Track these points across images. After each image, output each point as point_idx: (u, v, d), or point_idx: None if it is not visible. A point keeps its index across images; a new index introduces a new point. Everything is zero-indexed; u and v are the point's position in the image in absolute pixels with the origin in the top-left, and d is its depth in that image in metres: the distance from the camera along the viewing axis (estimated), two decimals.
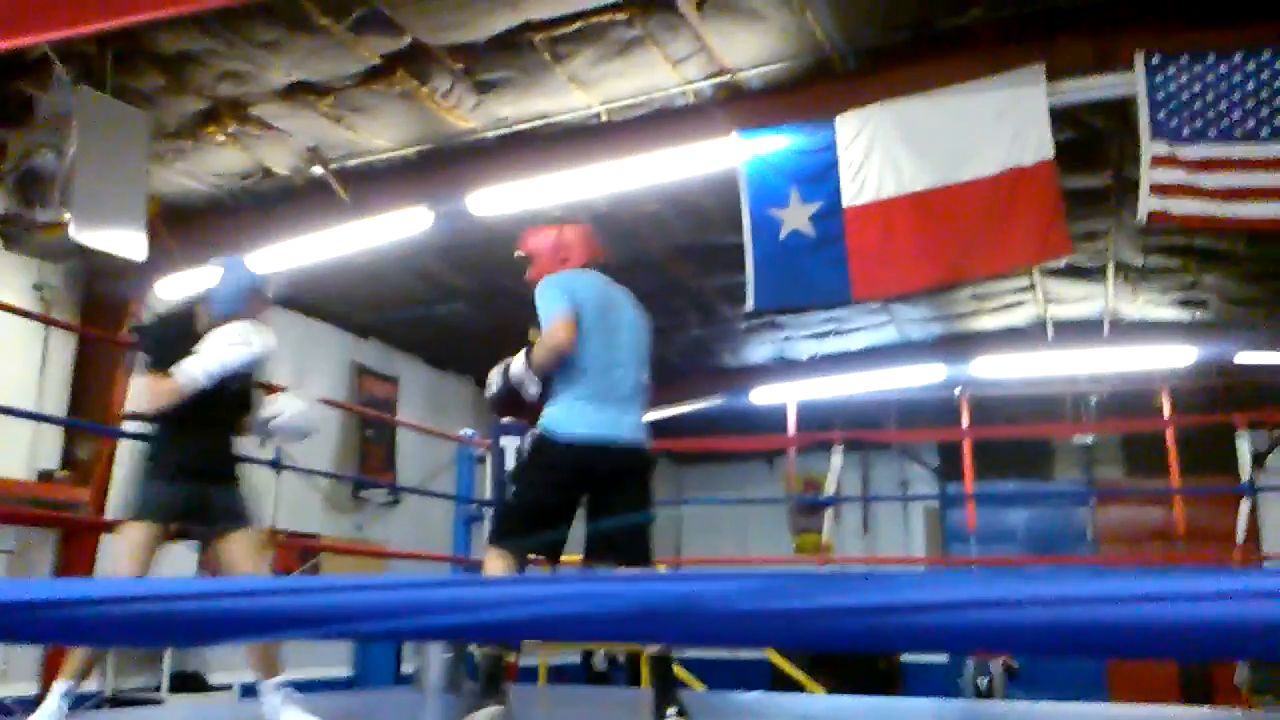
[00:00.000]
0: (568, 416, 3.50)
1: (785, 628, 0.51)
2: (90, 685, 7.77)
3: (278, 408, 3.85)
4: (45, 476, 7.67)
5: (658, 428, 13.02)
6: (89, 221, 5.47)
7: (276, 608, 0.57)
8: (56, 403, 7.88)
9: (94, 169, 5.50)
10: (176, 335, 3.69)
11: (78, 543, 7.74)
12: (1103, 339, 11.11)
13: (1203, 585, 0.50)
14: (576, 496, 3.55)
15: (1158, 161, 5.37)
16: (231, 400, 3.76)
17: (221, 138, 6.93)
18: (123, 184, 5.72)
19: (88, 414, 7.85)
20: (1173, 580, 0.49)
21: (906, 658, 14.65)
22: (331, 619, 0.56)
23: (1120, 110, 6.60)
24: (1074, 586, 0.51)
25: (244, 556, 3.68)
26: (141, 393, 3.65)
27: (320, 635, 0.58)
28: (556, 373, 3.57)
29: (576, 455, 3.46)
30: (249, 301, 3.76)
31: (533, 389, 3.65)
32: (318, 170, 7.33)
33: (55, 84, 5.54)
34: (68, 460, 7.85)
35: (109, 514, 7.71)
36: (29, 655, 7.46)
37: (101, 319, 8.00)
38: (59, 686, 3.50)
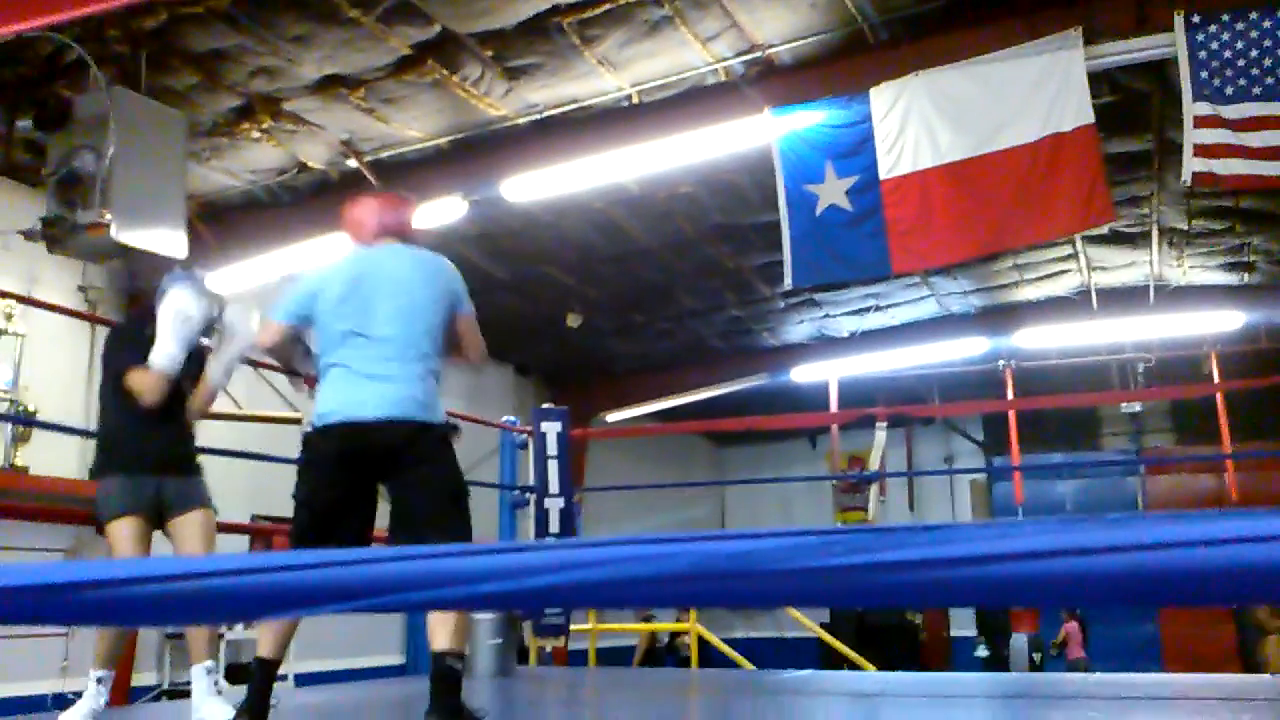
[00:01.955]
0: (320, 402, 3.28)
1: (843, 585, 0.49)
2: (148, 679, 7.90)
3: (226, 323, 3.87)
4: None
5: (697, 409, 12.97)
6: (129, 221, 5.52)
7: (322, 580, 0.57)
8: None
9: (133, 169, 5.55)
10: (134, 337, 3.82)
11: None
12: (1149, 305, 10.95)
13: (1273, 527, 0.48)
14: (348, 485, 3.25)
15: (1201, 122, 5.26)
16: (187, 389, 3.84)
17: (256, 134, 6.97)
18: (161, 183, 5.77)
19: None
20: (1244, 523, 0.47)
21: (955, 632, 14.57)
22: (378, 590, 0.56)
23: (1161, 72, 6.48)
24: (1140, 532, 0.49)
25: (193, 539, 3.76)
26: (140, 392, 3.71)
27: (367, 608, 0.57)
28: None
29: (327, 440, 3.22)
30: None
31: (305, 369, 3.57)
32: (352, 163, 7.36)
33: (92, 87, 5.60)
34: None
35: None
36: (90, 650, 7.58)
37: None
38: (94, 674, 3.61)
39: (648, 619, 11.25)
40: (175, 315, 3.71)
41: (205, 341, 3.89)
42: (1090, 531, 0.50)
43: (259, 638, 3.33)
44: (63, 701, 7.05)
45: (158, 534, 3.84)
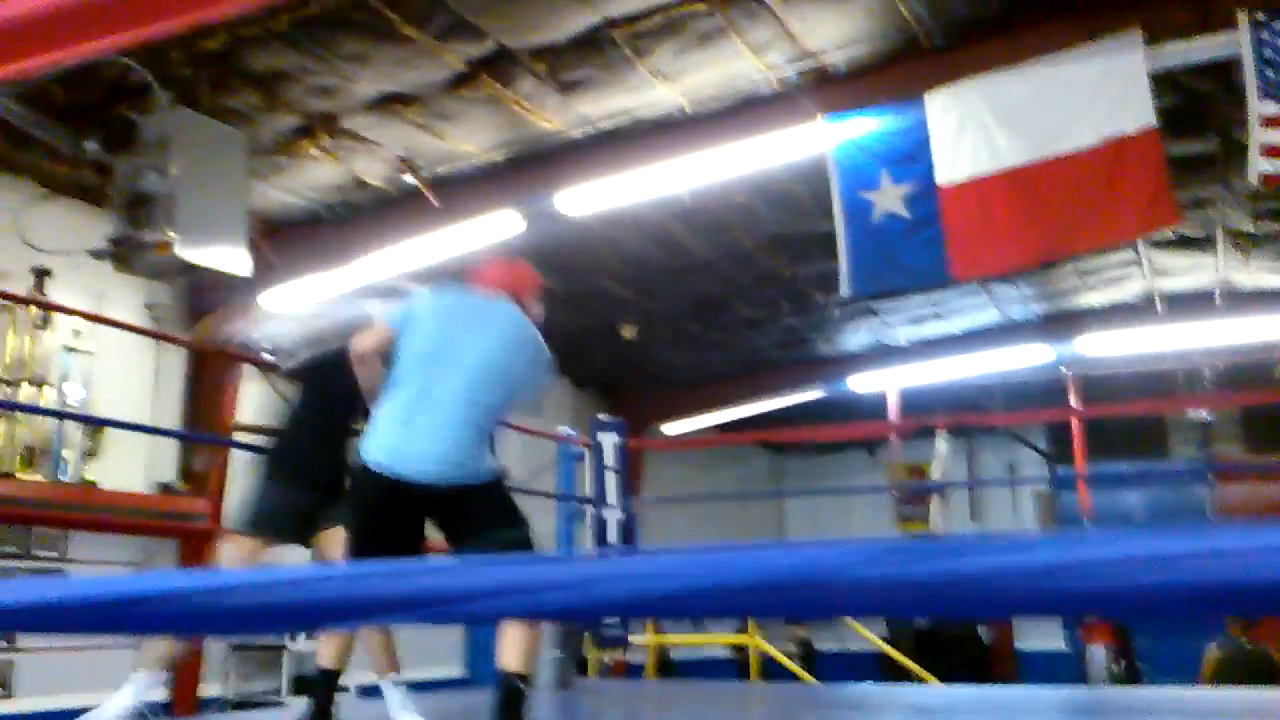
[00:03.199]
0: (372, 438, 3.24)
1: (912, 595, 0.48)
2: (214, 689, 8.02)
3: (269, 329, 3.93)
4: (164, 489, 7.94)
5: (754, 420, 12.88)
6: (194, 240, 5.63)
7: (387, 591, 0.57)
8: (171, 417, 8.15)
9: (196, 188, 5.66)
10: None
11: (196, 551, 8.00)
12: (1216, 310, 10.71)
13: None
14: (397, 523, 3.22)
15: (1267, 122, 5.14)
16: (341, 411, 3.91)
17: (315, 152, 7.08)
18: (224, 202, 5.88)
19: (201, 427, 8.10)
20: None
21: (1021, 645, 14.33)
22: (442, 600, 0.56)
23: (1225, 71, 6.35)
24: (1219, 541, 0.47)
25: (333, 551, 3.84)
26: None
27: (430, 618, 0.57)
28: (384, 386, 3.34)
29: (372, 482, 3.20)
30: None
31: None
32: (409, 179, 7.44)
33: (156, 108, 5.72)
34: (184, 472, 8.12)
35: (224, 523, 7.98)
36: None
37: None
38: (137, 677, 3.63)
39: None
40: (307, 313, 3.90)
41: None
42: (1167, 540, 0.49)
43: (321, 648, 3.36)
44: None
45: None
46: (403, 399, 3.24)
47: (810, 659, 13.07)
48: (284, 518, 3.77)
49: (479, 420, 3.26)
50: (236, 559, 3.72)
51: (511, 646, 3.15)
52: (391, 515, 3.23)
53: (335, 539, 3.84)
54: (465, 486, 3.21)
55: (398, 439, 3.18)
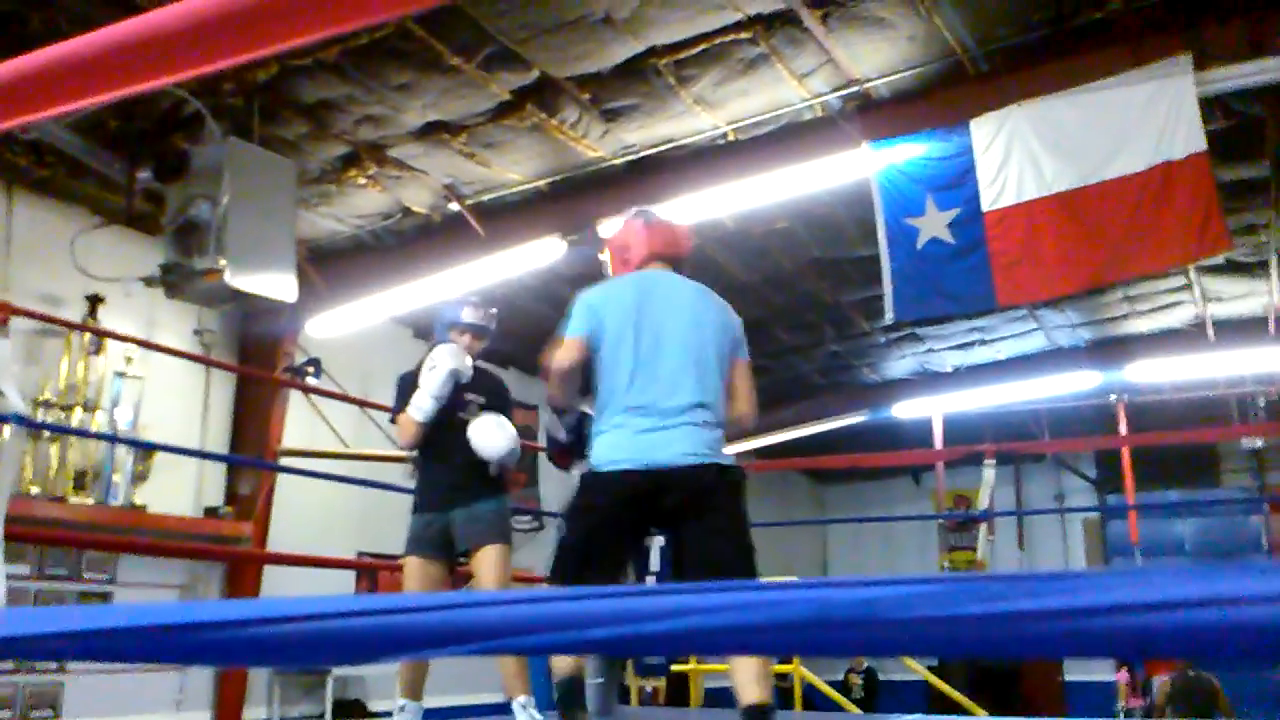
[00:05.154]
0: (603, 446, 3.08)
1: (973, 635, 0.47)
2: (258, 713, 8.06)
3: (476, 440, 4.09)
4: (211, 512, 8.02)
5: (797, 446, 12.76)
6: (243, 267, 5.71)
7: (435, 623, 0.56)
8: (218, 442, 8.24)
9: (246, 216, 5.74)
10: (413, 379, 4.22)
11: (243, 575, 8.06)
12: (1269, 336, 10.52)
13: None
14: (624, 533, 3.12)
15: None
16: (461, 428, 4.12)
17: (362, 180, 7.17)
18: (272, 229, 5.96)
19: (247, 451, 8.18)
20: None
21: (1070, 676, 14.09)
22: (493, 633, 0.55)
23: (1276, 95, 6.27)
24: None
25: (485, 572, 4.00)
26: (399, 433, 4.21)
27: (481, 651, 0.57)
28: (594, 402, 3.17)
29: (613, 487, 3.03)
30: (447, 333, 4.32)
31: (561, 434, 3.34)
32: (454, 206, 7.51)
33: (208, 138, 5.82)
34: (231, 496, 8.20)
35: (271, 547, 8.02)
36: (204, 684, 7.79)
37: (257, 359, 8.35)
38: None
39: None
40: (426, 365, 4.13)
41: (470, 397, 4.20)
42: (1238, 580, 0.47)
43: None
44: None
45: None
46: (630, 405, 3.07)
47: (873, 689, 12.92)
48: (422, 538, 4.03)
49: (714, 401, 3.11)
50: (409, 575, 4.01)
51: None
52: (621, 522, 3.10)
53: (483, 564, 3.97)
54: (719, 466, 3.03)
55: (641, 435, 3.03)
